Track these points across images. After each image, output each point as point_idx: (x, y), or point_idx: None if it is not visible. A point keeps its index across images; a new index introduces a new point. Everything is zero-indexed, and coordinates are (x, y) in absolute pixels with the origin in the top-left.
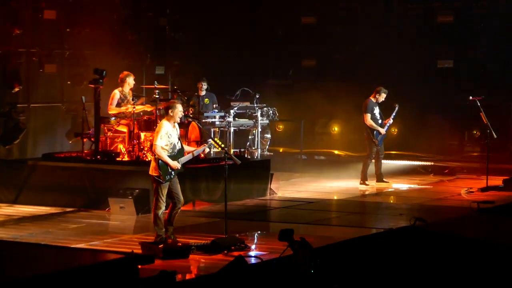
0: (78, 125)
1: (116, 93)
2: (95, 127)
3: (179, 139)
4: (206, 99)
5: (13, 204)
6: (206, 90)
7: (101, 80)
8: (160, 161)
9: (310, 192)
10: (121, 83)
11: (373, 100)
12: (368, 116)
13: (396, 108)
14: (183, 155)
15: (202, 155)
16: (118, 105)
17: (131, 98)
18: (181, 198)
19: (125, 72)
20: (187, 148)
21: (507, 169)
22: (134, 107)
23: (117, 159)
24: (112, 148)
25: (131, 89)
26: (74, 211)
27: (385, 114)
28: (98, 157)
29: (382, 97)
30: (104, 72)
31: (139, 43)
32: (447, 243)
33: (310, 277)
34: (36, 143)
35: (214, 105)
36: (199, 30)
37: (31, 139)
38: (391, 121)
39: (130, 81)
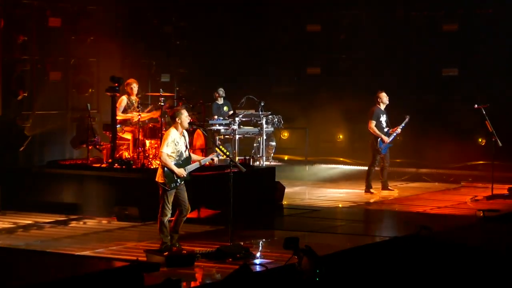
0: (83, 132)
1: (124, 99)
2: (112, 135)
3: (186, 147)
4: (226, 107)
5: (18, 212)
6: (224, 97)
7: (117, 88)
8: (166, 168)
9: (315, 200)
10: (127, 90)
11: (380, 107)
12: (373, 123)
13: (406, 119)
14: (189, 163)
15: (208, 163)
16: (125, 111)
17: (137, 106)
18: (188, 205)
19: (129, 80)
20: (194, 156)
21: None
22: (139, 115)
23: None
24: (117, 156)
25: (137, 96)
26: (79, 219)
27: (394, 124)
28: (116, 165)
29: (384, 97)
30: (121, 79)
31: (144, 51)
32: (452, 252)
33: (315, 285)
34: (41, 150)
35: (231, 112)
36: (204, 37)
37: (36, 147)
38: (398, 130)
39: (134, 88)
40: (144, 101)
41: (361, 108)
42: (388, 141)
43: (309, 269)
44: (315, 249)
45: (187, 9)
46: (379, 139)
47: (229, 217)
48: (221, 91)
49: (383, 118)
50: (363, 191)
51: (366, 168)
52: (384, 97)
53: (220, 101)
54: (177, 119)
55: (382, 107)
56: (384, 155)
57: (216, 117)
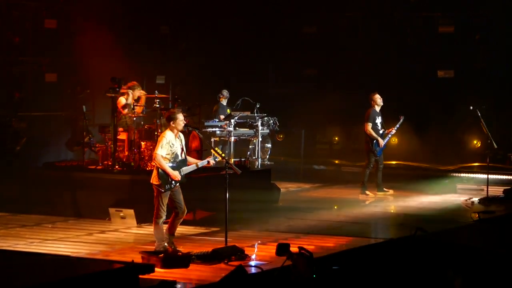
0: (79, 134)
1: (122, 100)
2: (113, 136)
3: (182, 150)
4: (228, 109)
5: (14, 213)
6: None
7: (118, 89)
8: (160, 170)
9: (310, 202)
10: (128, 91)
11: (375, 109)
12: (369, 125)
13: (401, 120)
14: (185, 165)
15: (204, 166)
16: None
17: (132, 107)
18: (184, 207)
19: (134, 83)
20: (190, 159)
21: (508, 179)
22: (134, 115)
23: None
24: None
25: (134, 99)
26: (74, 220)
27: (389, 125)
28: (116, 167)
29: (378, 98)
30: (122, 80)
31: (140, 52)
32: (448, 253)
33: (312, 282)
34: (37, 152)
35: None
36: (200, 39)
37: (32, 148)
38: (393, 131)
39: (136, 91)
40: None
41: (358, 110)
42: (383, 143)
43: (304, 268)
44: (311, 251)
45: (183, 10)
46: (374, 142)
47: (224, 218)
48: (226, 93)
49: (378, 120)
50: (358, 195)
51: (361, 169)
52: (378, 99)
53: (225, 102)
54: (171, 122)
55: (377, 108)
56: (379, 156)
57: (222, 117)
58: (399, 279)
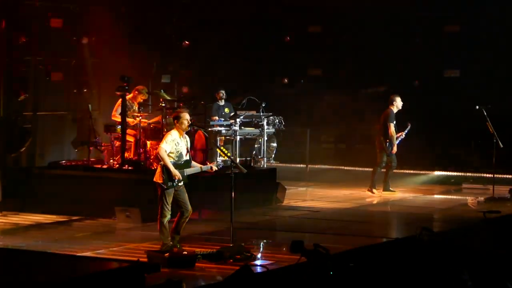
0: (84, 133)
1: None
2: (122, 136)
3: (187, 151)
4: (227, 108)
5: (19, 212)
6: (225, 99)
7: (127, 87)
8: (163, 167)
9: (316, 201)
10: (133, 94)
11: (394, 110)
12: (392, 125)
13: (409, 127)
14: (189, 167)
15: (208, 171)
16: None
17: (136, 108)
18: (189, 207)
19: (141, 87)
20: (195, 163)
21: None
22: (140, 119)
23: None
24: (118, 157)
25: (138, 102)
26: (80, 220)
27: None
28: (126, 166)
29: (400, 102)
30: (131, 79)
31: (145, 51)
32: (453, 253)
33: (329, 280)
34: (43, 151)
35: (231, 114)
36: (206, 38)
37: (38, 148)
38: (403, 136)
39: (142, 96)
40: (145, 102)
41: (363, 110)
42: (395, 150)
43: (320, 266)
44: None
45: (188, 10)
46: (388, 141)
47: (230, 218)
48: (222, 93)
49: (394, 121)
50: (365, 191)
51: (366, 169)
52: (400, 103)
53: (221, 102)
54: (176, 121)
55: (395, 110)
56: (390, 156)
57: (216, 118)
58: (404, 279)
